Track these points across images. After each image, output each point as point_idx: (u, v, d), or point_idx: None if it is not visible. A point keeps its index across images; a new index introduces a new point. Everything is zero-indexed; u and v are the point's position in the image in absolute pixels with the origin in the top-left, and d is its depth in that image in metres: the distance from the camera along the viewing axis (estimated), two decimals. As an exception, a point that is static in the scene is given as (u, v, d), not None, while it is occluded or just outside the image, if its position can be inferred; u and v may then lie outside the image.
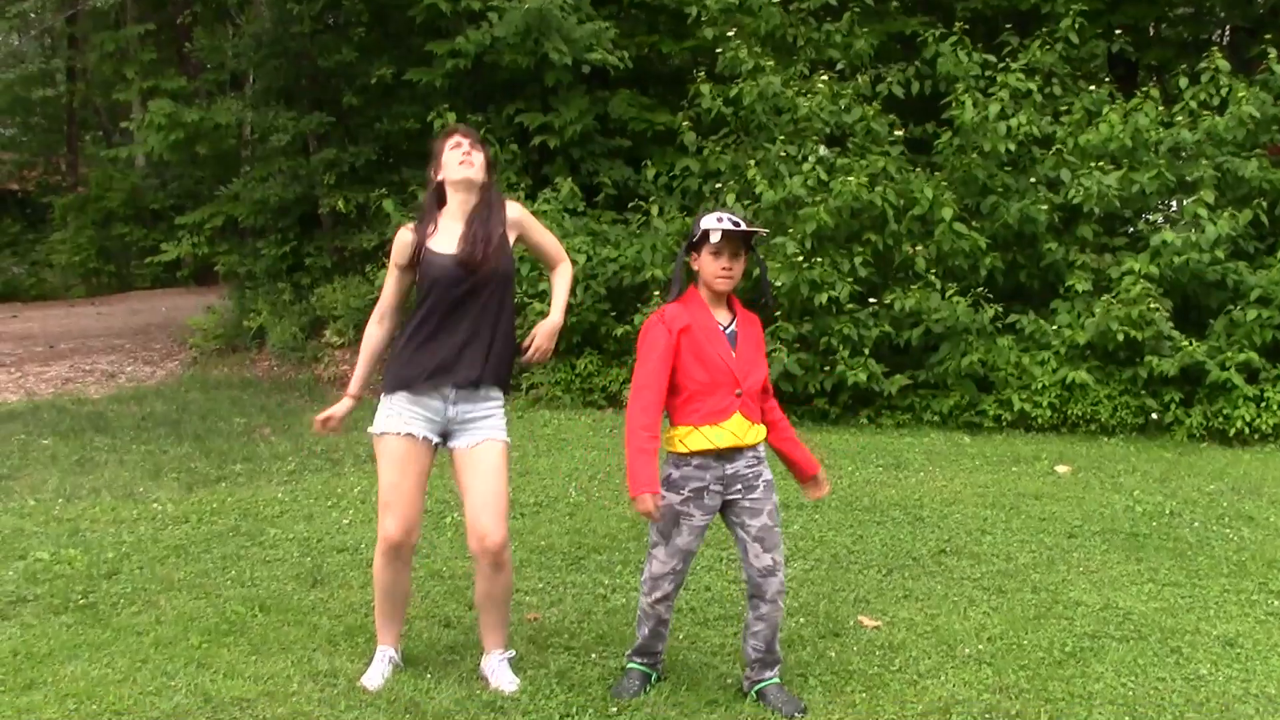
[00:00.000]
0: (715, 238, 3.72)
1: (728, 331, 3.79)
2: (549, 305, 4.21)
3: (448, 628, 4.57)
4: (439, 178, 4.00)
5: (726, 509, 3.83)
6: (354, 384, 4.13)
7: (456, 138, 3.99)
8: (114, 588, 5.05)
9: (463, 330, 3.88)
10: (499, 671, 3.98)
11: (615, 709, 3.78)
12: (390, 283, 4.08)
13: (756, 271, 4.12)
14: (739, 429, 3.74)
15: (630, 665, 4.02)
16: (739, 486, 3.78)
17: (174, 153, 13.52)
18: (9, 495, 6.72)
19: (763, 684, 3.87)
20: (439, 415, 3.92)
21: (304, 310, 12.33)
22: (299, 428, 8.79)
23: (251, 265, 13.39)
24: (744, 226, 3.76)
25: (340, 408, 4.14)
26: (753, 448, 3.81)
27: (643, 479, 3.63)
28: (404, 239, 3.99)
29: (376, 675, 3.98)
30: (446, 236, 3.93)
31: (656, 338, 3.76)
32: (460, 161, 3.93)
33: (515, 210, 4.06)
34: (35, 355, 13.41)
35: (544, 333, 4.05)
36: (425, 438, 3.92)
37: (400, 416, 3.90)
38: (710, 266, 3.77)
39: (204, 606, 4.80)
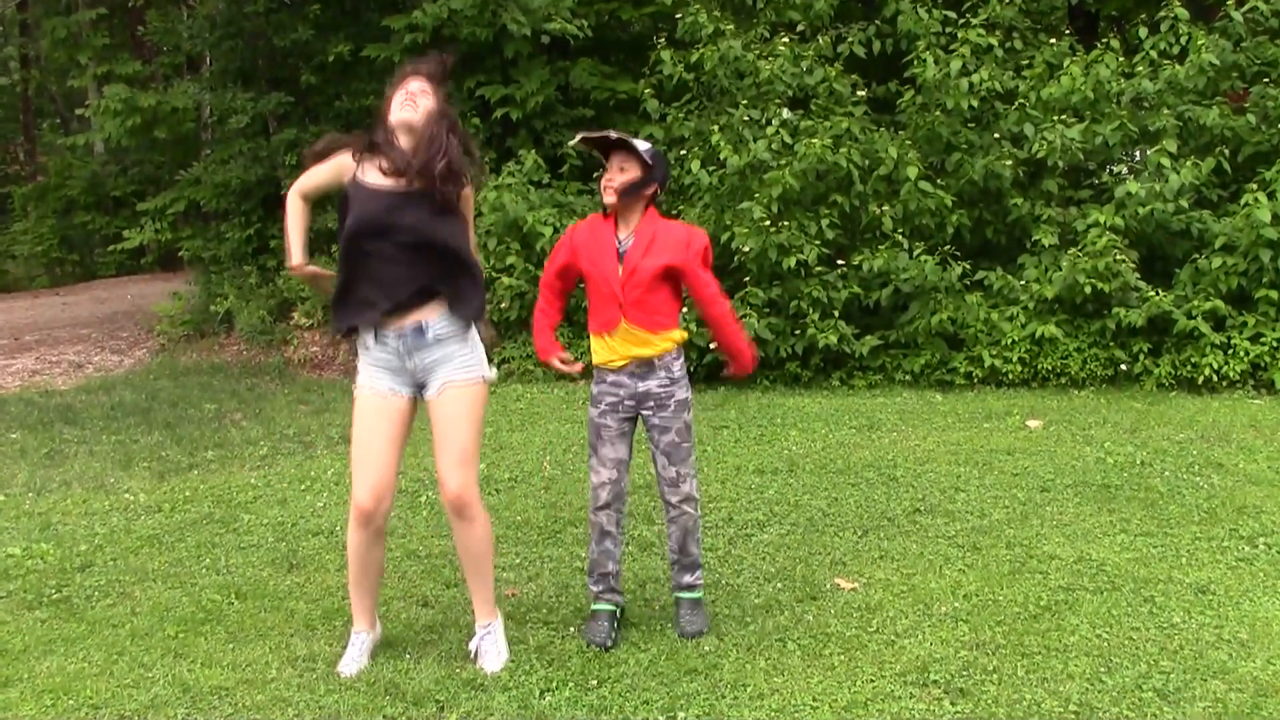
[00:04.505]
0: (572, 141, 4.16)
1: (621, 247, 4.04)
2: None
3: (425, 607, 4.56)
4: (387, 119, 3.84)
5: (644, 422, 4.16)
6: (300, 253, 3.95)
7: (408, 83, 3.82)
8: (88, 580, 5.01)
9: (387, 262, 3.77)
10: (482, 648, 3.98)
11: (595, 682, 3.78)
12: (321, 171, 3.96)
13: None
14: (629, 337, 4.03)
15: (595, 606, 4.19)
16: (651, 403, 4.10)
17: (132, 138, 13.39)
18: (-22, 491, 6.67)
19: (681, 595, 4.23)
20: (403, 369, 3.86)
21: (271, 293, 12.24)
22: (270, 412, 8.74)
23: (216, 249, 13.28)
24: (598, 135, 4.07)
25: (315, 273, 4.01)
26: (663, 364, 4.07)
27: (541, 346, 4.28)
28: (346, 161, 3.89)
29: (351, 662, 3.96)
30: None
31: (558, 242, 4.28)
32: (402, 104, 3.80)
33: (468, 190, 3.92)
34: (1, 348, 13.27)
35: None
36: (393, 391, 3.86)
37: (368, 370, 3.88)
38: (601, 181, 4.10)
39: (179, 596, 4.77)
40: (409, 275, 3.77)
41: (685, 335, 4.18)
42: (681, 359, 4.16)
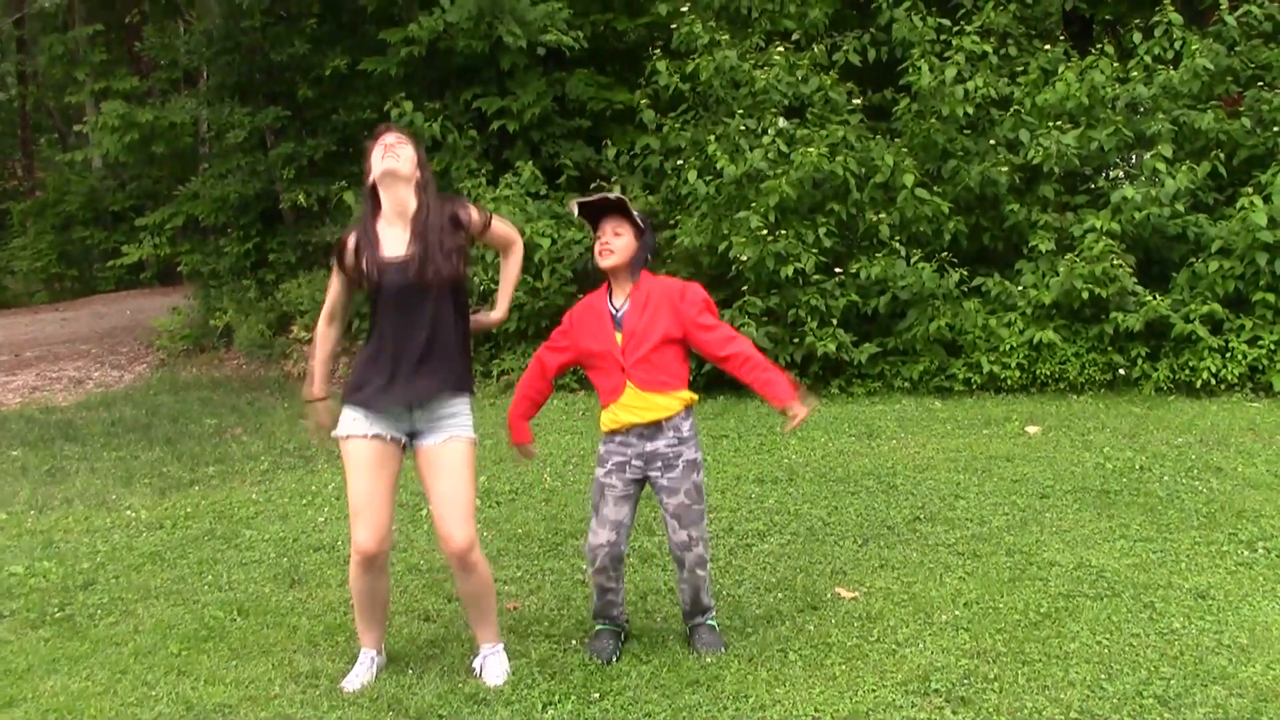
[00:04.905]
0: (574, 211, 4.11)
1: (617, 315, 4.02)
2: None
3: (427, 622, 4.57)
4: (370, 180, 3.92)
5: (652, 484, 4.09)
6: (318, 385, 4.09)
7: (383, 137, 3.91)
8: (90, 598, 5.02)
9: (411, 340, 3.82)
10: (486, 665, 4.00)
11: (597, 695, 3.80)
12: (332, 284, 4.05)
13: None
14: (636, 402, 3.98)
15: (598, 626, 4.21)
16: (659, 464, 4.03)
17: (130, 154, 13.42)
18: (-20, 510, 6.68)
19: (696, 621, 4.19)
20: (403, 419, 3.90)
21: (270, 307, 12.27)
22: (270, 426, 8.76)
23: (215, 264, 13.32)
24: (597, 199, 4.08)
25: (324, 413, 4.08)
26: (671, 424, 4.01)
27: (514, 434, 4.29)
28: (346, 244, 3.95)
29: (356, 679, 3.97)
30: (387, 242, 3.87)
31: (559, 326, 4.22)
32: (383, 156, 3.85)
33: (466, 211, 3.96)
34: (1, 365, 13.29)
35: (483, 325, 4.16)
36: (392, 437, 3.89)
37: (364, 419, 3.87)
38: (595, 246, 4.09)
39: (182, 613, 4.78)
40: (431, 344, 3.83)
41: (695, 397, 4.09)
42: (691, 419, 4.08)
